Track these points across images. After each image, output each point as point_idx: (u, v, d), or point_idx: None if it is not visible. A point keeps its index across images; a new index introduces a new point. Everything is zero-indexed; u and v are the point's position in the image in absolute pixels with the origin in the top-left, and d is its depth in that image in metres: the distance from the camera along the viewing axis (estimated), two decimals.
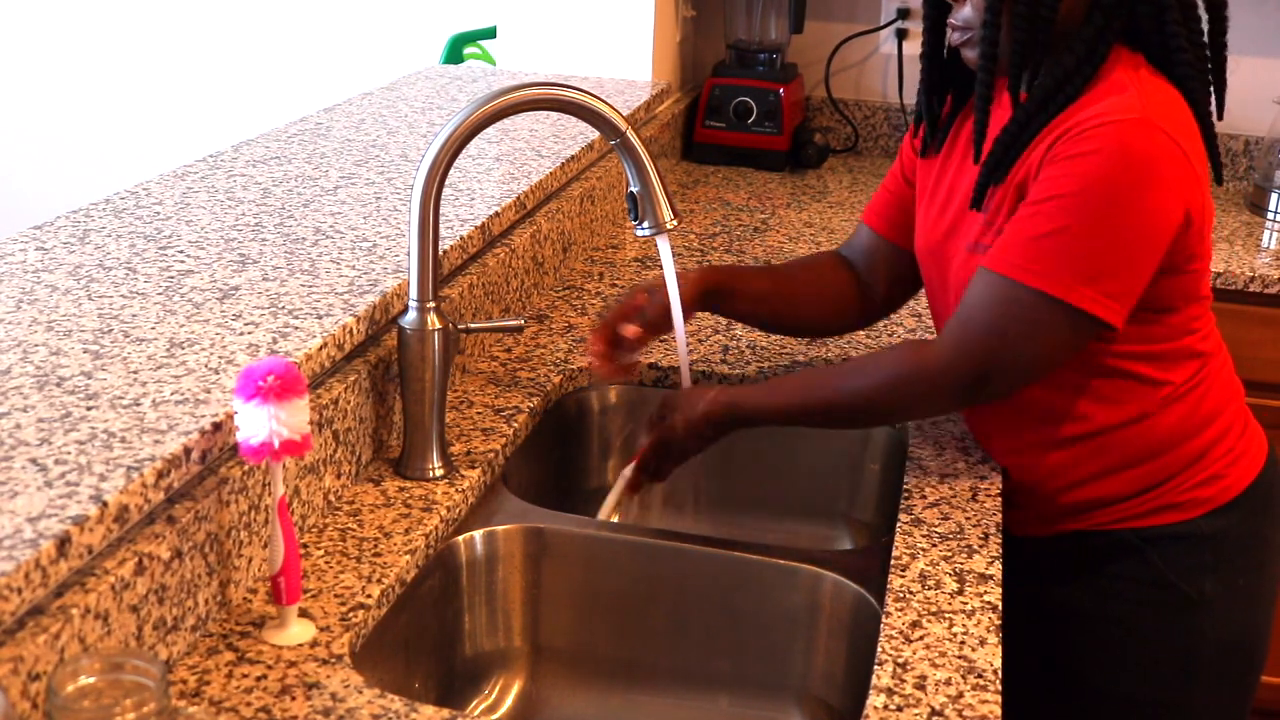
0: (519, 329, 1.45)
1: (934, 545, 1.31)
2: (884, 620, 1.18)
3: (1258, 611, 1.49)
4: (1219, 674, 1.47)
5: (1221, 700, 1.48)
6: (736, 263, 2.14)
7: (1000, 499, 1.41)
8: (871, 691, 1.08)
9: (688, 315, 1.50)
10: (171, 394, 1.12)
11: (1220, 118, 1.37)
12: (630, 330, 1.49)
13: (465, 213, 1.70)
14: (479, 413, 1.54)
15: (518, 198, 1.80)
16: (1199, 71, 1.33)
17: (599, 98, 1.36)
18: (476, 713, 1.37)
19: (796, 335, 1.75)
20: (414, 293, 1.35)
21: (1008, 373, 1.32)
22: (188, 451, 1.04)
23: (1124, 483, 1.41)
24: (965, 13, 1.33)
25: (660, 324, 1.48)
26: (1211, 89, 1.35)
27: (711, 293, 1.54)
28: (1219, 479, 1.42)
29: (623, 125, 1.36)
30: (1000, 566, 1.27)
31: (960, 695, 1.08)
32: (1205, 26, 1.35)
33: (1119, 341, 1.34)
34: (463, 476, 1.39)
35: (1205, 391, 1.41)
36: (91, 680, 0.83)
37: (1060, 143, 1.27)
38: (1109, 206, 1.24)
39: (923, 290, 1.58)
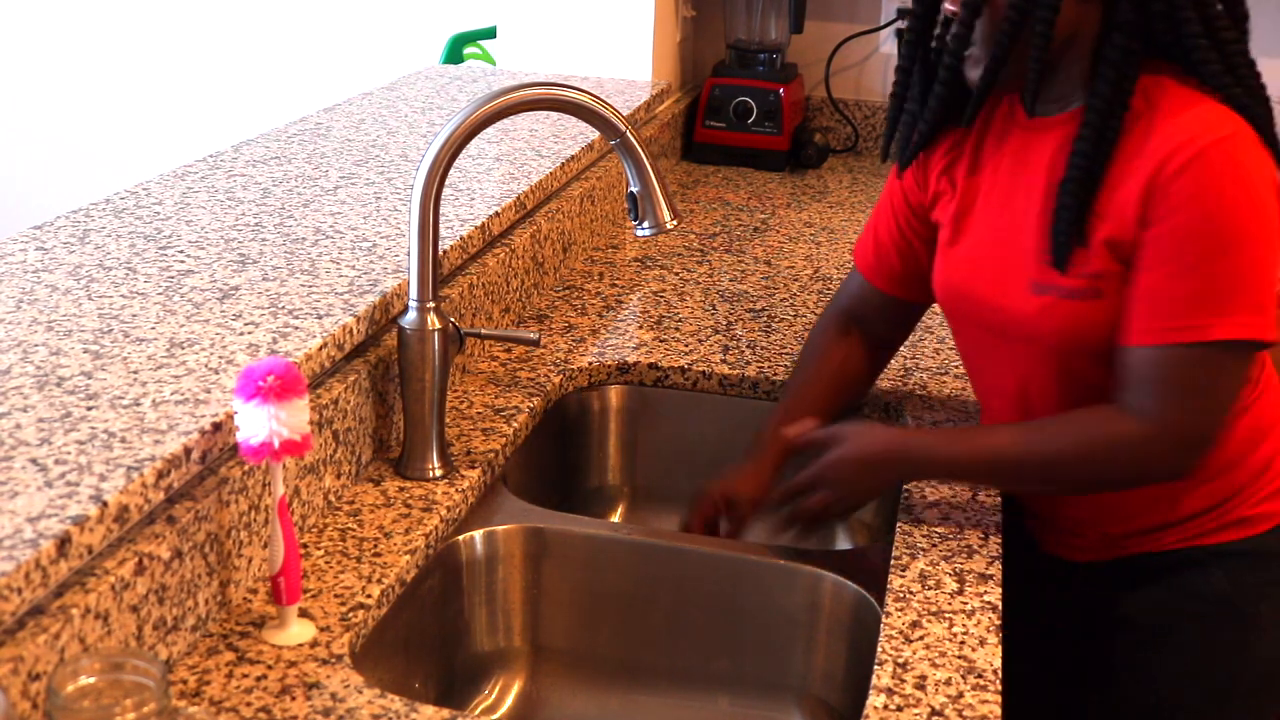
0: (534, 342, 1.44)
1: (934, 545, 1.31)
2: (884, 620, 1.18)
3: None
4: (1258, 697, 1.43)
5: None
6: (737, 261, 2.14)
7: (1000, 499, 1.41)
8: (871, 691, 1.08)
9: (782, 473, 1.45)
10: (171, 394, 1.12)
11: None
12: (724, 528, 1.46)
13: (465, 213, 1.70)
14: (479, 413, 1.54)
15: (518, 198, 1.80)
16: (1240, 85, 1.26)
17: (599, 98, 1.36)
18: (476, 713, 1.37)
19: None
20: (414, 293, 1.35)
21: (1214, 431, 1.27)
22: (188, 451, 1.04)
23: (1196, 500, 1.38)
24: (956, 26, 1.29)
25: (741, 520, 1.45)
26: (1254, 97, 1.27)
27: (780, 457, 1.47)
28: None
29: (622, 125, 1.36)
30: (1000, 566, 1.27)
31: (960, 695, 1.08)
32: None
33: None
34: (463, 476, 1.39)
35: (1268, 401, 1.38)
36: (91, 680, 0.83)
37: (1168, 183, 1.21)
38: (1239, 236, 1.21)
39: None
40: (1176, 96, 1.26)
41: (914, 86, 1.40)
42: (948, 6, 1.30)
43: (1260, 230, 1.22)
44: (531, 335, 1.43)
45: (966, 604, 1.21)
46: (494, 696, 1.40)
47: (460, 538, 1.34)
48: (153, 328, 1.26)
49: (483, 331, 1.43)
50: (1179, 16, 1.24)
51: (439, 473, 1.38)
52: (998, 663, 1.12)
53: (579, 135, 2.15)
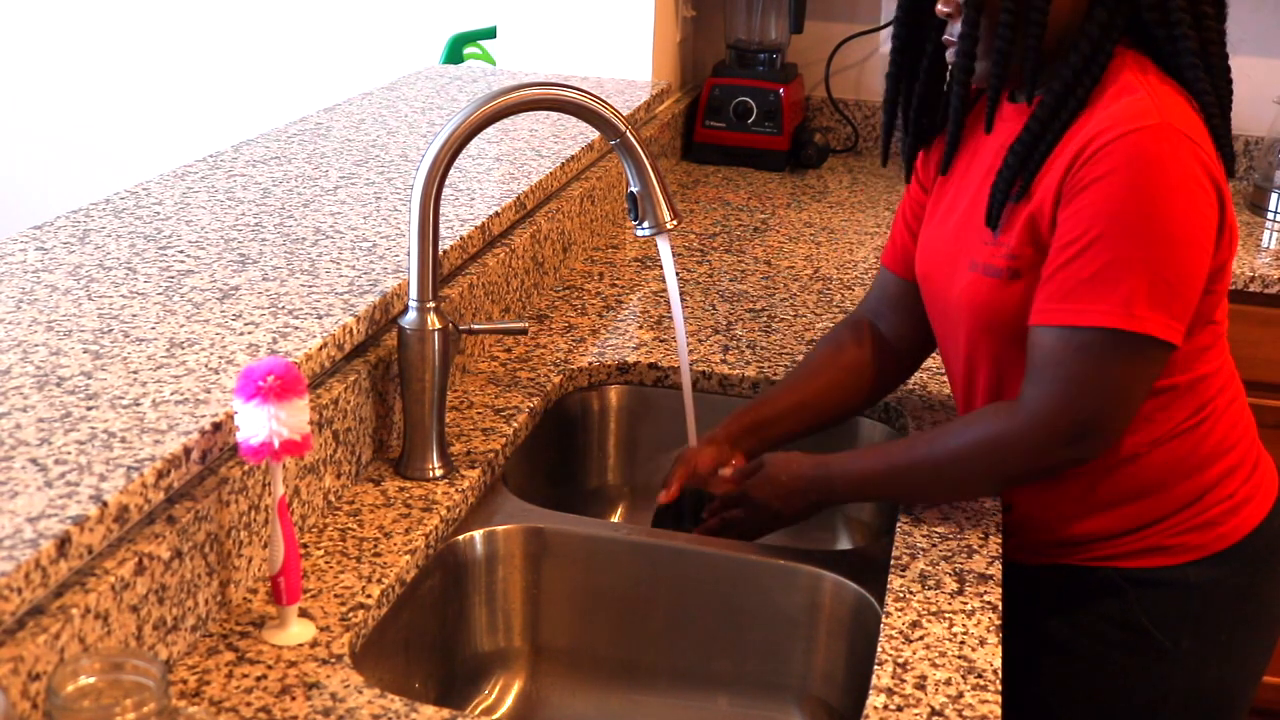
0: (523, 331, 1.45)
1: (934, 545, 1.31)
2: (884, 620, 1.18)
3: (1237, 671, 1.42)
4: None
5: None
6: (737, 261, 2.14)
7: (1000, 499, 1.40)
8: (871, 691, 1.08)
9: (730, 459, 1.49)
10: (171, 394, 1.12)
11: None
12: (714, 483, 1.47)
13: (465, 213, 1.70)
14: (479, 413, 1.54)
15: (518, 198, 1.80)
16: (1208, 70, 1.26)
17: (599, 98, 1.36)
18: (476, 713, 1.37)
19: (841, 423, 1.61)
20: (414, 293, 1.35)
21: (1105, 419, 1.25)
22: (188, 451, 1.04)
23: (1111, 520, 1.36)
24: (960, 27, 1.28)
25: (709, 473, 1.46)
26: (1218, 88, 1.27)
27: (743, 437, 1.50)
28: (1214, 526, 1.35)
29: (622, 125, 1.36)
30: (1000, 566, 1.27)
31: (960, 695, 1.08)
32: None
33: None
34: (463, 476, 1.39)
35: (1208, 431, 1.34)
36: (91, 680, 0.83)
37: (1080, 167, 1.21)
38: (1147, 224, 1.18)
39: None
40: (1126, 82, 1.24)
41: (903, 93, 1.42)
42: (941, 8, 1.30)
43: (1179, 227, 1.20)
44: (519, 325, 1.44)
45: (966, 604, 1.21)
46: (494, 696, 1.40)
47: (460, 538, 1.34)
48: (153, 328, 1.26)
49: (475, 326, 1.43)
50: (1169, 5, 1.24)
51: (439, 473, 1.38)
52: (998, 663, 1.12)
53: (579, 135, 2.15)
